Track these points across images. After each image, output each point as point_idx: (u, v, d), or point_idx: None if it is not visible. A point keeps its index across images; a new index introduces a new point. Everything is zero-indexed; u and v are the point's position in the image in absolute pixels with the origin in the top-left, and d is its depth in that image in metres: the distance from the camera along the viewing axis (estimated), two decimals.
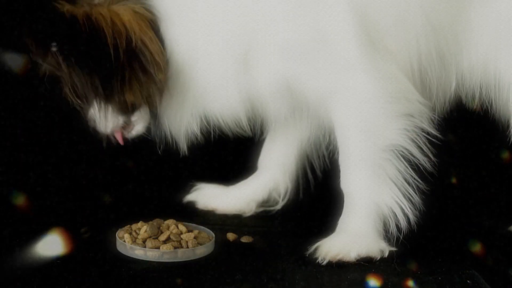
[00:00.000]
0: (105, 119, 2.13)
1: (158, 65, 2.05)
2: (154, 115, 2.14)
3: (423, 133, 2.04)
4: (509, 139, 2.16)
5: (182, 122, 2.15)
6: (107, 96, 2.06)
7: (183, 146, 2.17)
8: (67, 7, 2.03)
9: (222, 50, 2.06)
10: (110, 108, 2.09)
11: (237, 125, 2.16)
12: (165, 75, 2.07)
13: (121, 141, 2.20)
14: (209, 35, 2.06)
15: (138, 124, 2.17)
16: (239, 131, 2.19)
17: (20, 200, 2.28)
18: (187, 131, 2.16)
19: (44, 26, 2.01)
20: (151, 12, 2.08)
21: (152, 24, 2.07)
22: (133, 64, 2.04)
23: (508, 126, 2.16)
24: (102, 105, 2.08)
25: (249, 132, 2.22)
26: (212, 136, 2.18)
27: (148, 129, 2.19)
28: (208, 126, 2.15)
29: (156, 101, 2.09)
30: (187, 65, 2.09)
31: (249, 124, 2.17)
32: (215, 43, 2.06)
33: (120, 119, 2.15)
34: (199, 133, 2.15)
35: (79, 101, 2.10)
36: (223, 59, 2.06)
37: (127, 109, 2.12)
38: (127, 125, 2.17)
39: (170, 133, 2.17)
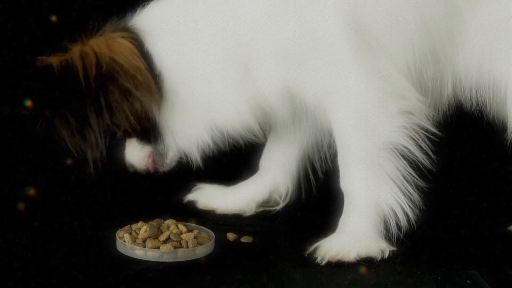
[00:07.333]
0: (132, 152, 2.17)
1: (134, 78, 2.05)
2: (157, 130, 2.14)
3: (422, 131, 2.04)
4: (507, 140, 2.16)
5: (191, 135, 2.14)
6: (88, 126, 2.05)
7: (197, 159, 2.17)
8: (41, 60, 2.06)
9: (222, 58, 2.07)
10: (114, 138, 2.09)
11: (249, 132, 2.16)
12: (151, 86, 2.07)
13: (151, 167, 2.21)
14: (206, 45, 2.07)
15: (170, 151, 2.18)
16: (253, 138, 2.19)
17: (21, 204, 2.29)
18: (198, 143, 2.15)
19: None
20: (131, 31, 2.10)
21: (134, 42, 2.08)
22: (108, 87, 2.04)
23: (504, 127, 2.16)
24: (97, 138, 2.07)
25: (262, 139, 2.22)
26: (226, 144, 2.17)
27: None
28: (220, 136, 2.14)
29: (153, 115, 2.10)
30: (185, 77, 2.09)
31: (261, 130, 2.17)
32: (214, 53, 2.07)
33: (145, 149, 2.17)
34: (211, 143, 2.14)
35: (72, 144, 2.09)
36: (224, 68, 2.07)
37: (136, 134, 2.13)
38: (159, 155, 2.18)
39: (179, 147, 2.16)
